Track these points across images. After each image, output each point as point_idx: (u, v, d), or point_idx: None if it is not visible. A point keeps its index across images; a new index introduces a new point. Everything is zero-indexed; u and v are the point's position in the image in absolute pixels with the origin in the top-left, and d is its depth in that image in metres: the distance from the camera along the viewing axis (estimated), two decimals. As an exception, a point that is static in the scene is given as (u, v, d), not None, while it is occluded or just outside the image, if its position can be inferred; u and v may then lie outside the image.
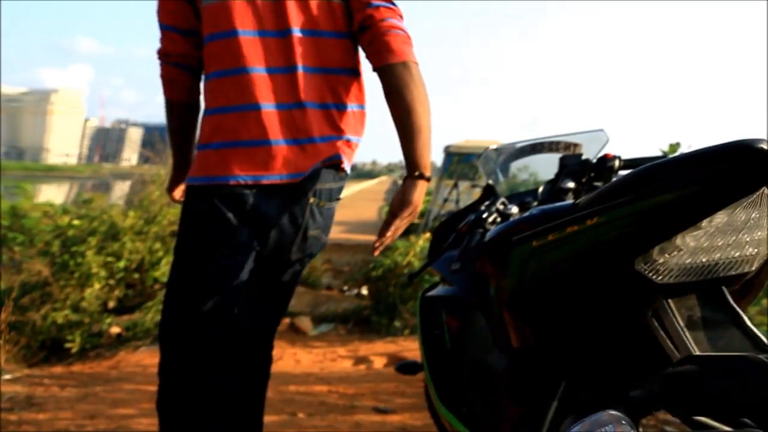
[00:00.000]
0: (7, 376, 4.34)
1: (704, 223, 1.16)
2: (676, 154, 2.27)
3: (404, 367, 2.78)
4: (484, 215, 2.07)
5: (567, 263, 1.29)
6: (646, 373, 1.29)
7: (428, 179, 1.83)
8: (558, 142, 2.52)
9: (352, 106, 1.90)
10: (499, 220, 2.09)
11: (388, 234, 1.84)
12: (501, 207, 2.11)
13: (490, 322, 1.87)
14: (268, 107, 1.78)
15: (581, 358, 1.37)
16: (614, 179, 1.61)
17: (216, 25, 1.81)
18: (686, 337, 1.24)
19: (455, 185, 10.02)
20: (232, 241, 1.78)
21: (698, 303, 1.31)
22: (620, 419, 1.17)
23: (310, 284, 8.28)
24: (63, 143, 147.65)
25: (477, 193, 9.78)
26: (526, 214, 1.90)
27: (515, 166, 2.63)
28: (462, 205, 9.66)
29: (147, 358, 4.99)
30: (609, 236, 1.20)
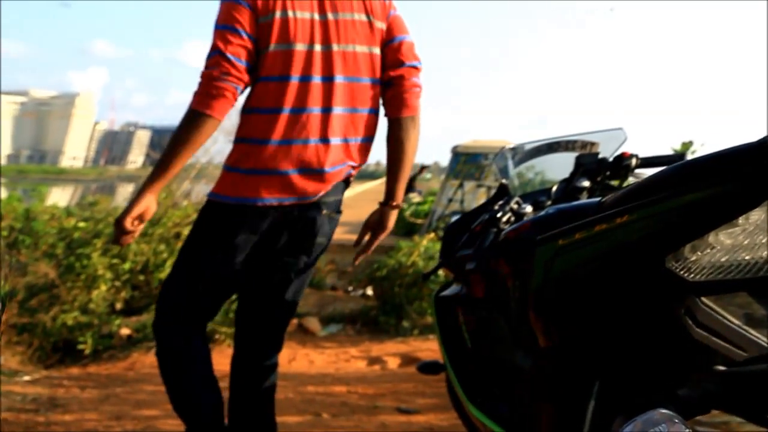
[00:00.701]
0: (26, 378, 4.36)
1: (741, 220, 1.16)
2: (703, 152, 2.28)
3: (426, 367, 2.74)
4: (498, 214, 2.07)
5: (596, 262, 1.29)
6: (687, 371, 1.31)
7: (401, 208, 2.38)
8: (575, 141, 2.52)
9: (366, 139, 2.25)
10: (513, 219, 2.09)
11: (370, 251, 2.37)
12: (515, 206, 2.12)
13: (511, 321, 1.88)
14: (298, 142, 2.10)
15: (614, 357, 1.37)
16: (643, 177, 1.62)
17: (273, 68, 2.09)
18: (752, 335, 1.22)
19: (460, 185, 9.99)
20: (244, 250, 2.14)
21: (758, 301, 1.29)
22: (672, 418, 1.19)
23: (315, 285, 8.30)
24: (78, 147, 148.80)
25: (482, 193, 9.81)
26: (543, 212, 1.90)
27: (522, 165, 2.63)
28: (467, 205, 9.67)
29: (161, 359, 5.01)
30: (640, 234, 1.20)
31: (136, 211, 2.07)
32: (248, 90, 2.15)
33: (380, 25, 2.20)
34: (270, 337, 2.34)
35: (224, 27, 2.05)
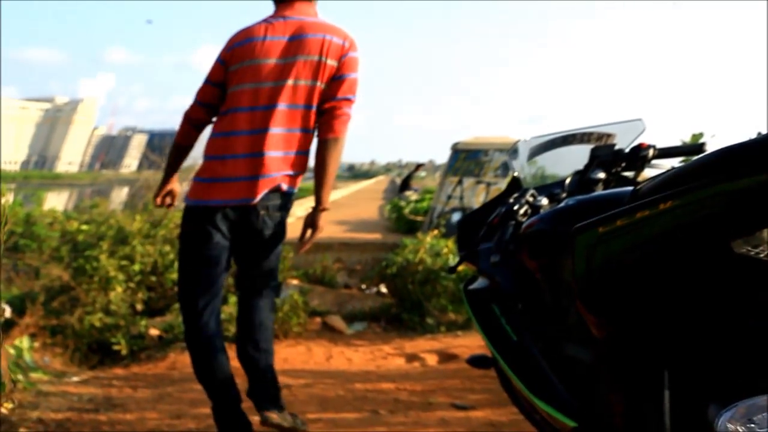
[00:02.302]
0: (75, 378, 4.39)
1: None
2: (714, 143, 2.28)
3: (476, 360, 2.68)
4: (515, 207, 2.10)
5: (644, 248, 1.28)
6: None
7: (328, 210, 2.87)
8: (590, 133, 2.49)
9: (301, 153, 2.83)
10: (530, 211, 2.12)
11: (307, 246, 2.90)
12: (530, 199, 2.14)
13: (552, 313, 1.90)
14: (242, 156, 2.74)
15: (683, 345, 1.34)
16: (681, 163, 1.58)
17: (230, 103, 2.80)
18: None
19: (459, 182, 10.00)
20: (209, 241, 2.75)
21: None
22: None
23: (327, 283, 8.34)
24: (75, 152, 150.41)
25: (482, 189, 9.82)
26: (564, 204, 1.94)
27: (535, 158, 2.61)
28: (466, 201, 9.74)
29: (200, 359, 5.04)
30: (692, 218, 1.19)
31: (161, 191, 3.04)
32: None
33: (331, 63, 2.78)
34: (254, 298, 2.90)
35: (204, 81, 2.89)
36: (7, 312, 6.07)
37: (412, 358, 5.17)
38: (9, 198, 10.30)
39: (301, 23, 2.80)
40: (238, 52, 2.81)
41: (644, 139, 2.23)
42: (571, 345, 1.81)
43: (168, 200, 3.06)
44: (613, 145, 2.26)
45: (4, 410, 3.52)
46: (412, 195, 16.88)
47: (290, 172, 2.81)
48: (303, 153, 2.85)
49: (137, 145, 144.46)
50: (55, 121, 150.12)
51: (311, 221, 2.88)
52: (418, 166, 22.42)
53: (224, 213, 2.73)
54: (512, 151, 2.66)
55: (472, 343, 5.34)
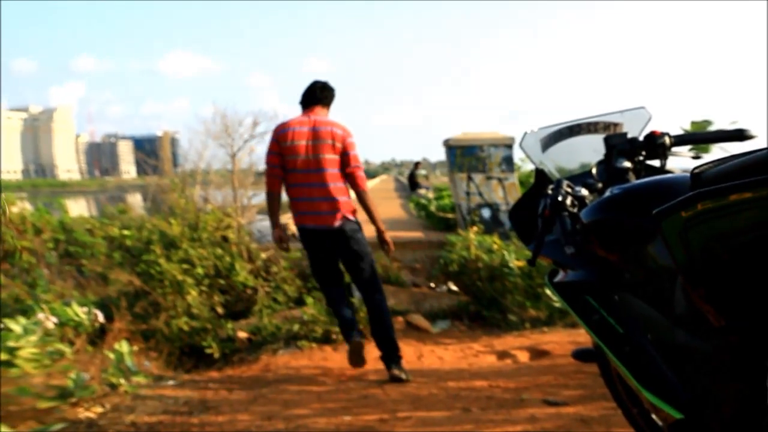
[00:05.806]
0: (171, 382, 4.48)
1: None
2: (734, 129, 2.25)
3: (582, 354, 2.63)
4: (559, 198, 2.11)
5: (755, 231, 1.23)
6: None
7: (384, 230, 4.66)
8: (597, 123, 2.54)
9: (344, 198, 4.48)
10: (576, 202, 2.13)
11: (391, 252, 4.74)
12: (568, 189, 2.14)
13: (656, 302, 1.85)
14: (314, 200, 4.44)
15: None
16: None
17: (288, 166, 4.48)
18: None
19: (469, 178, 10.01)
20: (315, 248, 4.58)
21: None
22: None
23: (395, 282, 8.27)
24: (67, 159, 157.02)
25: (496, 184, 9.95)
26: (609, 193, 1.96)
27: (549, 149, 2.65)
28: (487, 197, 9.72)
29: (292, 360, 5.07)
30: None
31: (275, 237, 4.66)
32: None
33: (339, 145, 4.46)
34: (367, 287, 4.58)
35: (269, 152, 4.53)
36: (100, 317, 6.24)
37: (503, 355, 5.08)
38: (26, 205, 10.63)
39: (316, 121, 4.52)
40: (282, 136, 4.49)
41: (652, 127, 2.28)
42: (684, 335, 1.75)
43: (284, 245, 4.68)
44: (626, 133, 2.29)
45: (92, 414, 3.62)
46: (428, 193, 17.60)
47: (346, 209, 4.47)
48: (344, 198, 4.48)
49: (126, 151, 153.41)
50: (36, 130, 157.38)
51: (380, 239, 4.66)
52: (417, 164, 22.45)
53: (318, 232, 4.47)
54: (525, 144, 2.67)
55: (561, 339, 5.23)
